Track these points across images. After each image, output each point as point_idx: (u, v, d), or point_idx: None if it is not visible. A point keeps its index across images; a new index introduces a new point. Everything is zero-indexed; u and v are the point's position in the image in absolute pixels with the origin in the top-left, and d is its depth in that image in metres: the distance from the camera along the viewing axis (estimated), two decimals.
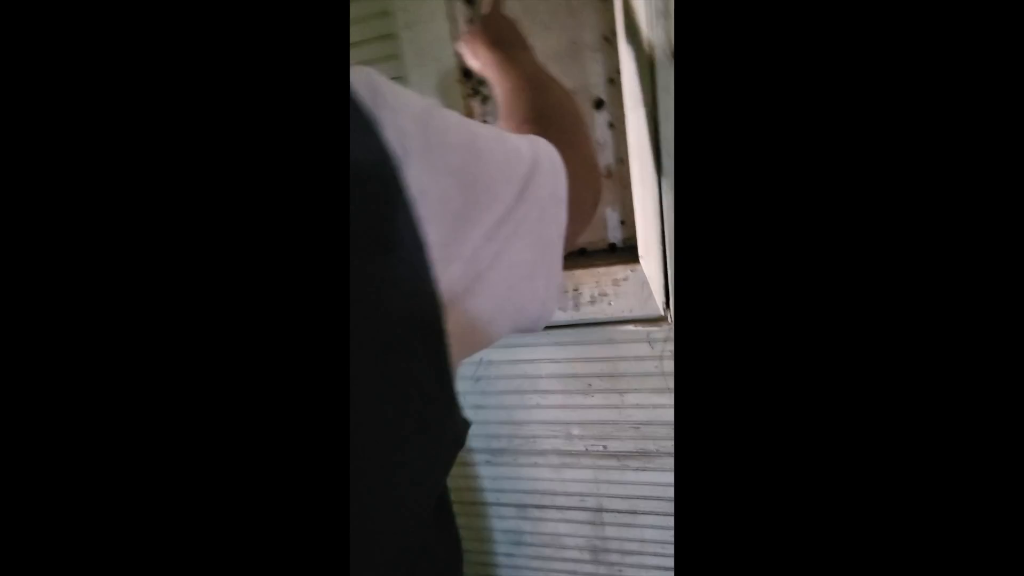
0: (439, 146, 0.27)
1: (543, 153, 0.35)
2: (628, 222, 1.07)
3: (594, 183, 0.45)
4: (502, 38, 0.65)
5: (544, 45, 1.03)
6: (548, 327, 1.09)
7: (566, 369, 1.08)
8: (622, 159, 1.06)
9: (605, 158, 1.06)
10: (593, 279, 1.03)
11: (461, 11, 0.99)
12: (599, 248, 1.12)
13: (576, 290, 1.04)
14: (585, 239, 1.12)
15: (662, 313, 0.90)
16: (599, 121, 1.05)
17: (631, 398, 1.08)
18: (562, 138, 0.40)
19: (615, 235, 1.10)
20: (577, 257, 1.09)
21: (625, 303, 1.02)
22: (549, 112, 0.49)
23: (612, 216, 1.09)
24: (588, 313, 1.05)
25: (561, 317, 1.06)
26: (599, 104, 1.05)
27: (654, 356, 1.03)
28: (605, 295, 1.03)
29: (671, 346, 1.02)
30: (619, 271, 1.01)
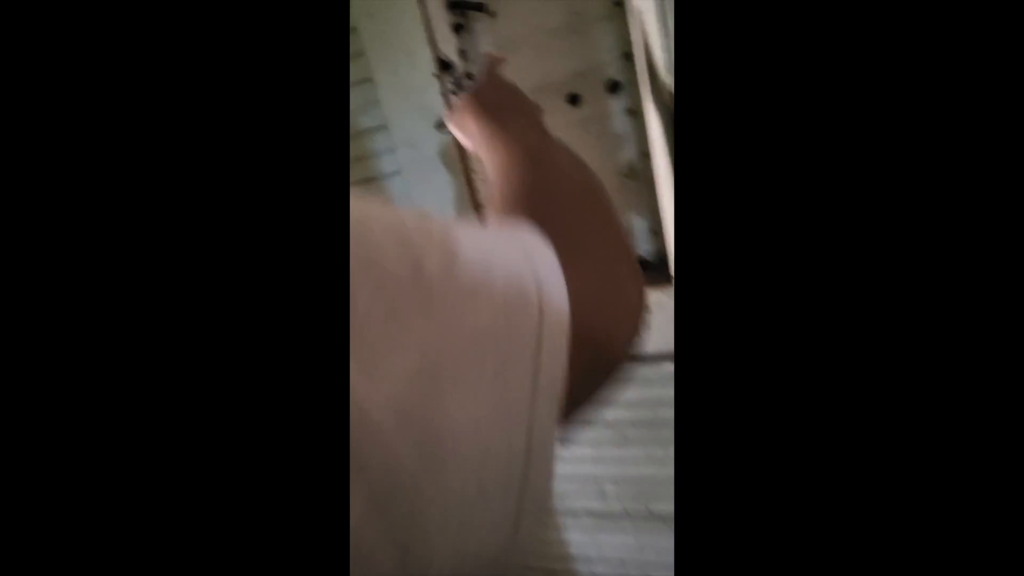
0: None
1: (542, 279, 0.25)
2: (659, 231, 0.86)
3: (630, 299, 0.33)
4: (501, 107, 0.50)
5: (541, 21, 0.83)
6: None
7: (595, 415, 0.89)
8: (646, 153, 0.85)
9: (626, 153, 0.85)
10: None
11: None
12: None
13: None
14: None
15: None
16: (615, 108, 0.84)
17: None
18: (580, 238, 0.31)
19: (645, 248, 0.89)
20: None
21: (660, 336, 0.82)
22: (562, 197, 0.36)
23: (639, 225, 0.88)
24: None
25: None
26: (614, 87, 0.84)
27: None
28: None
29: None
30: (653, 296, 0.80)
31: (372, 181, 0.94)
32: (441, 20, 0.82)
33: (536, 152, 0.41)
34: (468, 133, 0.51)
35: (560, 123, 0.87)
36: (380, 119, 0.88)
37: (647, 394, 0.85)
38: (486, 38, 0.86)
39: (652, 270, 0.87)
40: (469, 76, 0.87)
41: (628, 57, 0.81)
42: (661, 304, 0.80)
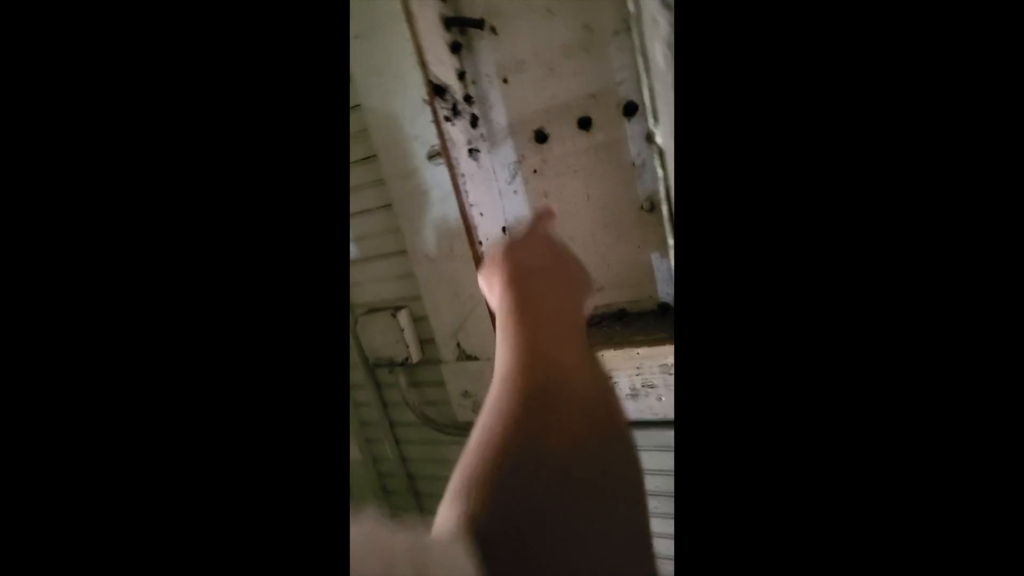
0: None
1: None
2: None
3: None
4: (535, 276, 0.38)
5: (548, 38, 0.73)
6: None
7: None
8: (667, 183, 0.74)
9: (645, 183, 0.74)
10: (632, 364, 0.72)
11: (426, 14, 0.72)
12: (644, 309, 0.80)
13: (609, 379, 0.74)
14: (620, 297, 0.81)
15: None
16: (632, 133, 0.73)
17: None
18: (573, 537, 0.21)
19: (665, 290, 0.78)
20: (612, 325, 0.78)
21: None
22: (563, 456, 0.24)
23: (660, 265, 0.77)
24: (631, 411, 0.74)
25: None
26: (630, 109, 0.73)
27: None
28: (652, 387, 0.72)
29: None
30: (669, 353, 0.69)
31: (361, 215, 0.86)
32: (436, 40, 0.74)
33: (553, 370, 0.29)
34: (492, 293, 0.40)
35: (570, 151, 0.77)
36: (368, 149, 0.80)
37: (668, 463, 0.74)
38: (487, 57, 0.77)
39: (672, 316, 0.75)
40: (468, 99, 0.78)
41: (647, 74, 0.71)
42: None
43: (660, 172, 0.64)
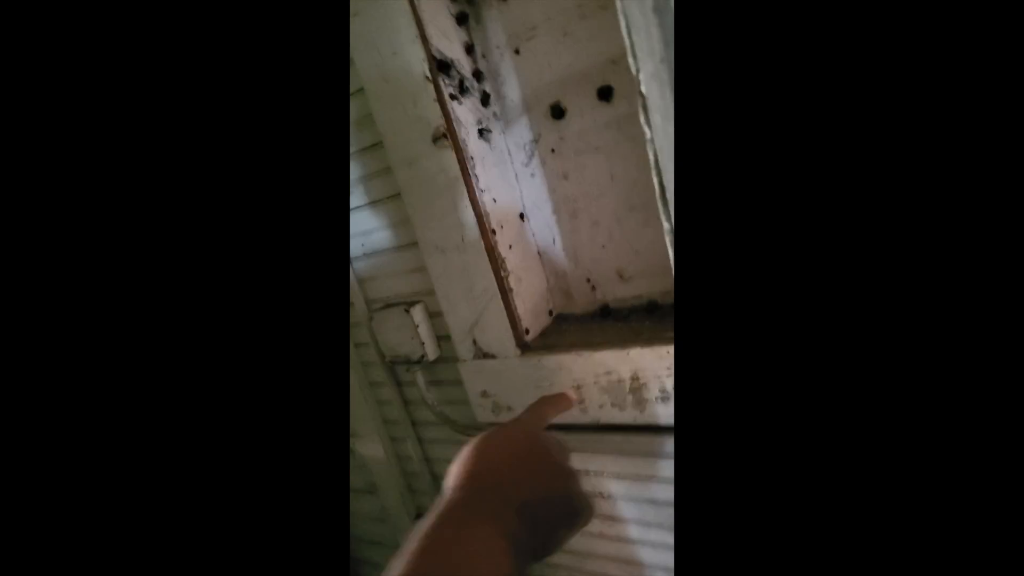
0: None
1: None
2: None
3: None
4: (512, 481, 0.31)
5: (558, 1, 0.66)
6: (604, 429, 0.73)
7: (639, 490, 0.71)
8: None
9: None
10: (663, 363, 0.64)
11: None
12: (671, 302, 0.72)
13: (636, 379, 0.66)
14: (651, 287, 0.73)
15: None
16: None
17: None
18: None
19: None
20: (641, 319, 0.70)
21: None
22: None
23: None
24: (659, 414, 0.67)
25: (619, 416, 0.69)
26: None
27: None
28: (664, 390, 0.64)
29: None
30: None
31: (371, 205, 0.82)
32: (439, 10, 0.68)
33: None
34: (454, 472, 0.33)
35: (590, 126, 0.69)
36: (375, 135, 0.75)
37: (647, 469, 0.67)
38: (497, 26, 0.70)
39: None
40: (477, 75, 0.72)
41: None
42: None
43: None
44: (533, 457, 0.30)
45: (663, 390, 0.66)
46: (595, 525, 0.77)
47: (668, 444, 0.67)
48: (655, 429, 0.67)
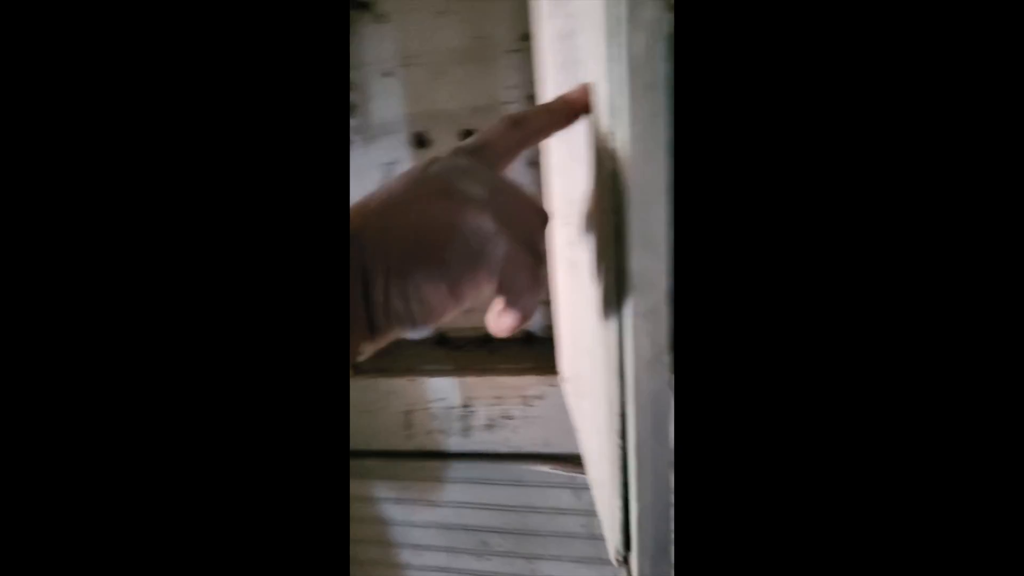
0: None
1: None
2: (550, 302, 0.74)
3: None
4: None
5: (440, 39, 0.69)
6: (426, 456, 0.75)
7: (452, 516, 0.74)
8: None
9: None
10: (493, 393, 0.69)
11: None
12: (510, 337, 0.78)
13: (467, 407, 0.70)
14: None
15: (613, 557, 0.30)
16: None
17: (544, 568, 0.74)
18: None
19: (533, 319, 0.76)
20: (476, 350, 0.74)
21: (538, 432, 0.68)
22: None
23: None
24: (485, 442, 0.71)
25: (445, 443, 0.72)
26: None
27: (580, 510, 0.69)
28: (510, 418, 0.69)
29: None
30: (532, 385, 0.67)
31: None
32: None
33: None
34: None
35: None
36: None
37: (517, 499, 0.72)
38: (373, 44, 0.71)
39: (538, 346, 0.74)
40: None
41: (533, 100, 0.69)
42: (542, 395, 0.67)
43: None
44: (410, 196, 0.23)
45: (490, 418, 0.70)
46: (404, 554, 0.77)
47: (490, 470, 0.71)
48: (478, 456, 0.71)
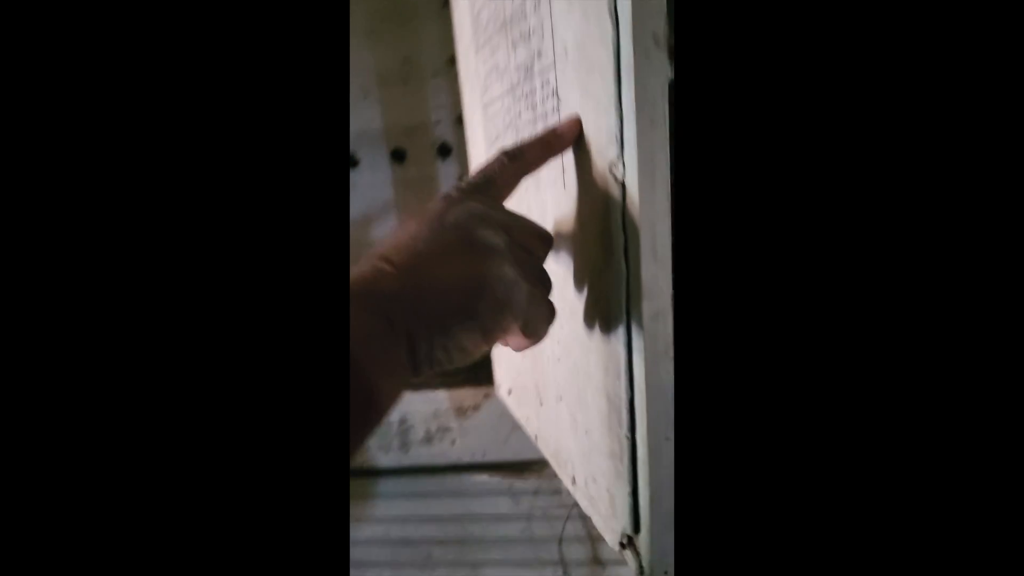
0: None
1: None
2: None
3: None
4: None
5: (370, 60, 0.70)
6: (367, 474, 0.74)
7: (395, 531, 0.73)
8: None
9: None
10: (430, 407, 0.70)
11: None
12: None
13: (405, 422, 0.70)
14: None
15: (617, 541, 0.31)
16: (445, 174, 0.73)
17: (488, 573, 0.75)
18: None
19: None
20: None
21: (475, 442, 0.70)
22: None
23: None
24: (422, 455, 0.71)
25: (384, 461, 0.71)
26: (444, 151, 0.74)
27: (519, 515, 0.72)
28: (447, 430, 0.70)
29: (542, 501, 0.71)
30: (468, 397, 0.69)
31: None
32: None
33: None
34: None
35: (382, 180, 0.73)
36: None
37: (458, 509, 0.73)
38: None
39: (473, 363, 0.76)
40: None
41: (462, 121, 0.72)
42: (478, 405, 0.69)
43: None
44: (434, 253, 0.25)
45: (427, 431, 0.71)
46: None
47: (429, 483, 0.72)
48: (417, 470, 0.72)
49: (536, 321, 0.26)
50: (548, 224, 0.32)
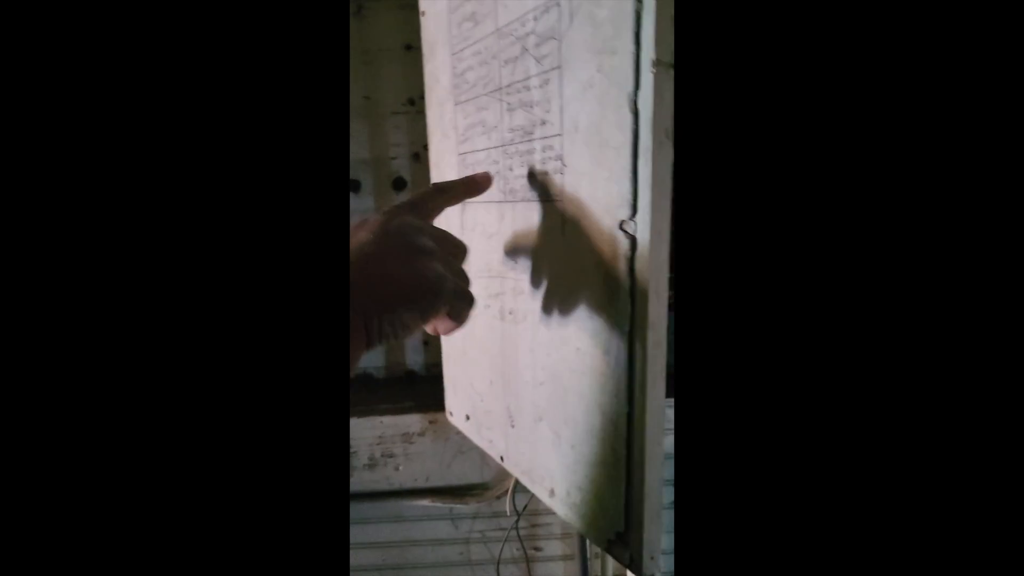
0: None
1: None
2: (430, 341, 0.79)
3: None
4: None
5: None
6: None
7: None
8: None
9: None
10: (374, 432, 0.71)
11: None
12: (391, 376, 0.81)
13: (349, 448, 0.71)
14: (373, 362, 0.80)
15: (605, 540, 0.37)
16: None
17: None
18: None
19: (414, 359, 0.81)
20: (357, 390, 0.76)
21: (419, 467, 0.72)
22: None
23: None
24: (365, 481, 0.72)
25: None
26: (399, 184, 0.77)
27: (459, 539, 0.74)
28: (391, 456, 0.72)
29: (481, 524, 0.75)
30: (414, 423, 0.71)
31: None
32: None
33: None
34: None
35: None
36: None
37: (399, 534, 0.74)
38: None
39: (419, 385, 0.78)
40: None
41: (417, 158, 0.76)
42: (423, 431, 0.72)
43: None
44: (380, 255, 0.32)
45: (371, 457, 0.72)
46: None
47: (369, 509, 0.72)
48: (357, 496, 0.72)
49: (459, 307, 0.34)
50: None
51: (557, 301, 0.38)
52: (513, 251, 0.44)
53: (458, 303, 0.34)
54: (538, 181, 0.39)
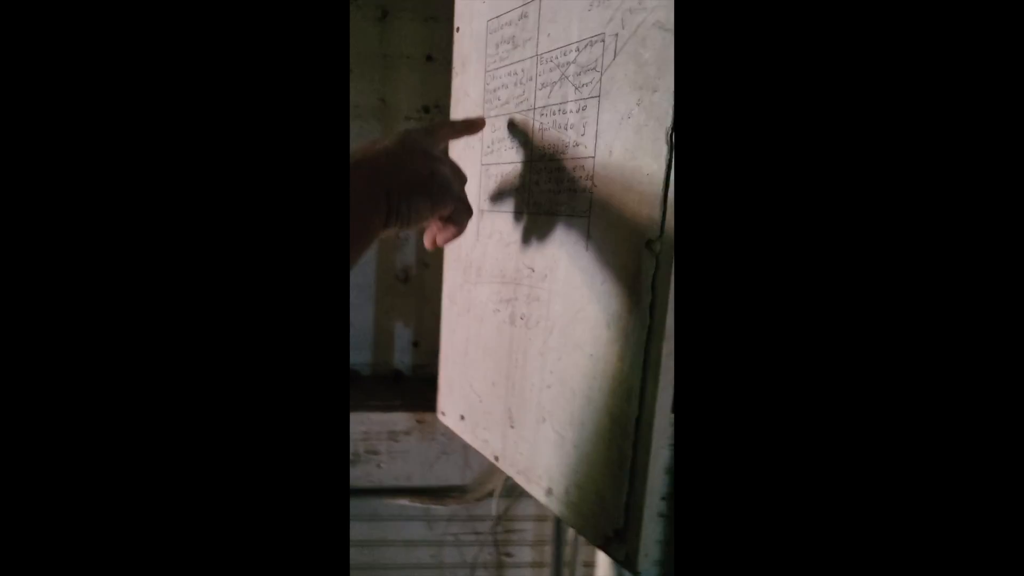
0: None
1: None
2: (420, 344, 0.81)
3: None
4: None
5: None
6: None
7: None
8: (424, 261, 0.81)
9: (404, 255, 0.80)
10: (360, 428, 0.72)
11: None
12: (378, 374, 0.82)
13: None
14: (361, 359, 0.81)
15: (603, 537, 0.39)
16: None
17: None
18: None
19: (401, 359, 0.82)
20: None
21: (402, 467, 0.74)
22: None
23: (402, 333, 0.81)
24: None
25: None
26: None
27: (432, 541, 0.75)
28: (375, 453, 0.73)
29: (455, 528, 0.76)
30: (401, 421, 0.73)
31: None
32: None
33: None
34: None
35: None
36: None
37: (372, 533, 0.74)
38: None
39: (407, 383, 0.79)
40: None
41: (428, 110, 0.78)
42: (409, 430, 0.73)
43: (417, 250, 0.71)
44: (405, 152, 0.38)
45: (355, 452, 0.73)
46: None
47: (352, 506, 0.73)
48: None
49: (461, 212, 0.41)
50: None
51: (574, 309, 0.40)
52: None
53: (460, 207, 0.41)
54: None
